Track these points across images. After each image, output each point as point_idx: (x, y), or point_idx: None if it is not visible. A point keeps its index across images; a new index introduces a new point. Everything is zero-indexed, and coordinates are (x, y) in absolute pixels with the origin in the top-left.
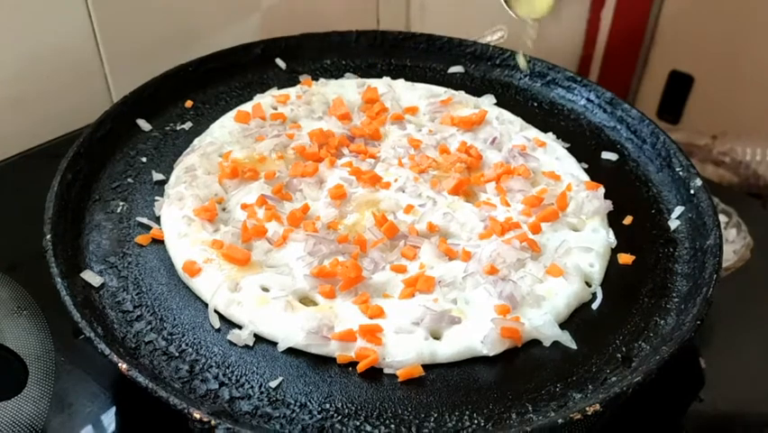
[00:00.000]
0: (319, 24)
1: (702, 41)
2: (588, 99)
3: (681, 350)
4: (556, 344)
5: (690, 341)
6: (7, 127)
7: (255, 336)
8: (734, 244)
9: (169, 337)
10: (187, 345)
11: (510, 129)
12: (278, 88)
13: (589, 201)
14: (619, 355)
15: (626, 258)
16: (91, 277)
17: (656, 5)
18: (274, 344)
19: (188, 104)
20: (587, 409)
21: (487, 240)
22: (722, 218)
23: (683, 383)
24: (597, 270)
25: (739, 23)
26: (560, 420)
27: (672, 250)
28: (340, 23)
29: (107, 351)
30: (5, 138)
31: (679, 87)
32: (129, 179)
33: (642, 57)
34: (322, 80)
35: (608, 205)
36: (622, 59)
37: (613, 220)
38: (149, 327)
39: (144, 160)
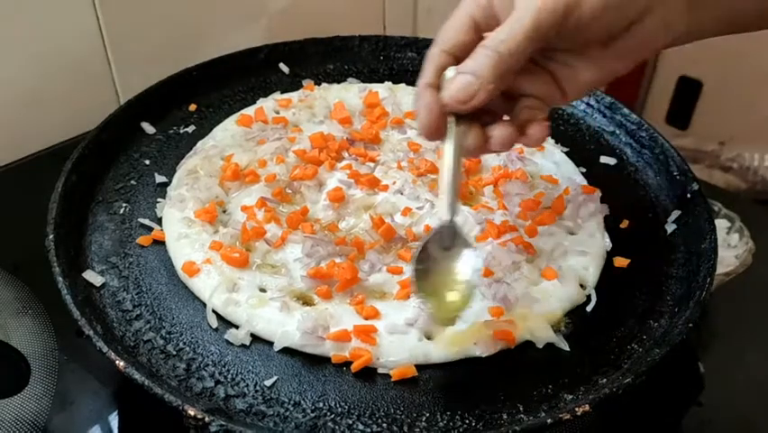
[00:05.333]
0: (325, 29)
1: (711, 46)
2: (587, 104)
3: (680, 354)
4: (549, 346)
5: (681, 344)
6: (16, 129)
7: (252, 335)
8: (736, 249)
9: (168, 336)
10: (184, 343)
11: None
12: (281, 92)
13: (586, 205)
14: (612, 357)
15: (621, 261)
16: (92, 277)
17: None
18: (270, 343)
19: (192, 107)
20: (576, 409)
21: (483, 243)
22: (725, 223)
23: (683, 387)
24: (591, 273)
25: None
26: (549, 421)
27: (667, 253)
28: (346, 29)
29: (105, 349)
30: (14, 140)
31: (688, 93)
32: (132, 181)
33: (651, 62)
34: (324, 85)
35: (605, 209)
36: None
37: (610, 224)
38: (148, 325)
39: (148, 162)
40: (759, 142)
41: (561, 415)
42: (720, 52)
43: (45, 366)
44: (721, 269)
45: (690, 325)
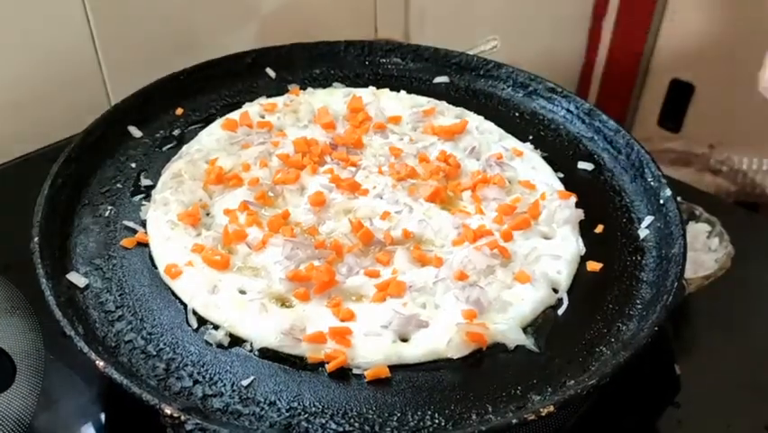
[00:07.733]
0: (317, 35)
1: (704, 49)
2: (567, 110)
3: (657, 356)
4: (520, 347)
5: (648, 347)
6: (6, 132)
7: (230, 336)
8: (716, 252)
9: (148, 337)
10: (164, 344)
11: (489, 139)
12: (267, 97)
13: (561, 210)
14: (580, 359)
15: (593, 265)
16: (76, 278)
17: (658, 14)
18: (248, 344)
19: (179, 111)
20: (541, 410)
21: (459, 247)
22: (705, 227)
23: (659, 389)
24: (564, 276)
25: (739, 31)
26: (514, 421)
27: (639, 258)
28: (337, 34)
29: (86, 349)
30: (4, 142)
31: (680, 96)
32: (118, 185)
33: (643, 65)
34: (309, 89)
35: (579, 214)
36: (624, 68)
37: (585, 229)
38: (129, 326)
39: (134, 165)
40: (748, 145)
41: (526, 415)
42: (712, 56)
43: (31, 365)
44: (701, 272)
45: (656, 328)
